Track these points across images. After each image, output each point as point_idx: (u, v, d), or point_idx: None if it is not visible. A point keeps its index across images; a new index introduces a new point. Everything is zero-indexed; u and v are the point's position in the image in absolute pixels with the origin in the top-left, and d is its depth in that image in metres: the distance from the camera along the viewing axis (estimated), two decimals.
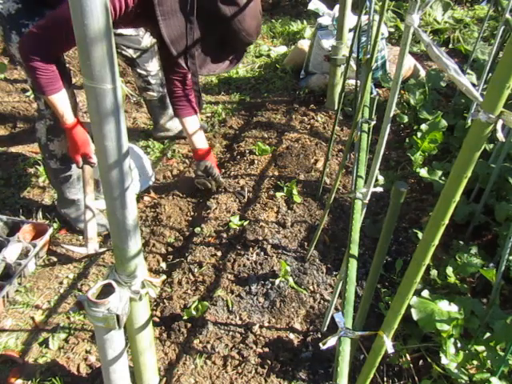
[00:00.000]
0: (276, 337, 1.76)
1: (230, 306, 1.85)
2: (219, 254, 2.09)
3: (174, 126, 2.92)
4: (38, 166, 2.67)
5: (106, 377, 1.35)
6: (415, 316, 1.54)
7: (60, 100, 1.78)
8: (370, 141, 1.62)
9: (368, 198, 1.35)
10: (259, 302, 1.86)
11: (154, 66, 2.64)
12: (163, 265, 2.14)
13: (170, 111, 2.85)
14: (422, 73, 3.27)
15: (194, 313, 1.81)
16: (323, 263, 2.01)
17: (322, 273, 1.98)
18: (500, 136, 0.62)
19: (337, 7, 2.94)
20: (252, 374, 1.64)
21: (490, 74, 2.37)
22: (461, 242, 1.98)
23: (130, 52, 2.54)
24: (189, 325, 1.81)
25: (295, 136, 2.82)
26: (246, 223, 2.19)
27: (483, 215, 2.09)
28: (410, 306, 1.55)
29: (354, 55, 2.12)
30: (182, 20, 1.74)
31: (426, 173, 2.33)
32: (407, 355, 1.65)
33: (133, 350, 1.41)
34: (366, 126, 1.59)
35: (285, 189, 2.36)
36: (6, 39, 1.87)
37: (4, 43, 1.88)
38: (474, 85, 2.58)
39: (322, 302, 1.87)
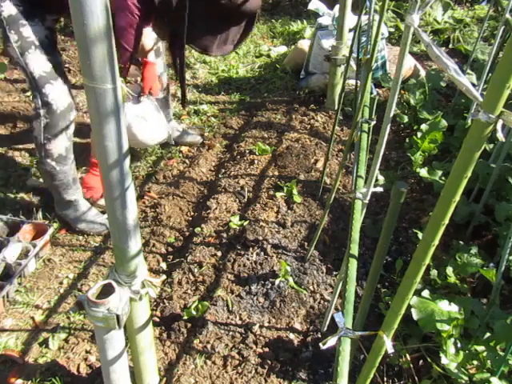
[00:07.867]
0: (276, 337, 1.76)
1: (230, 305, 1.85)
2: (219, 254, 2.09)
3: (173, 126, 2.92)
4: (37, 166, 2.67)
5: (106, 377, 1.35)
6: (415, 316, 1.54)
7: None
8: (369, 141, 1.62)
9: (368, 197, 1.35)
10: (259, 302, 1.86)
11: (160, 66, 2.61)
12: (163, 265, 2.14)
13: (171, 111, 2.85)
14: (422, 73, 3.27)
15: (193, 313, 1.81)
16: (323, 263, 2.01)
17: (322, 273, 1.98)
18: (500, 136, 0.62)
19: (337, 7, 2.94)
20: (252, 373, 1.64)
21: (490, 74, 2.37)
22: (461, 242, 1.98)
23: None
24: (189, 325, 1.81)
25: (295, 136, 2.82)
26: (246, 223, 2.19)
27: (483, 215, 2.09)
28: (410, 306, 1.55)
29: (354, 55, 2.12)
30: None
31: (426, 173, 2.33)
32: (407, 355, 1.65)
33: (133, 350, 1.41)
34: (366, 126, 1.60)
35: (285, 189, 2.36)
36: (6, 40, 1.90)
37: (3, 45, 1.94)
38: (473, 85, 2.58)
39: (321, 301, 1.87)
